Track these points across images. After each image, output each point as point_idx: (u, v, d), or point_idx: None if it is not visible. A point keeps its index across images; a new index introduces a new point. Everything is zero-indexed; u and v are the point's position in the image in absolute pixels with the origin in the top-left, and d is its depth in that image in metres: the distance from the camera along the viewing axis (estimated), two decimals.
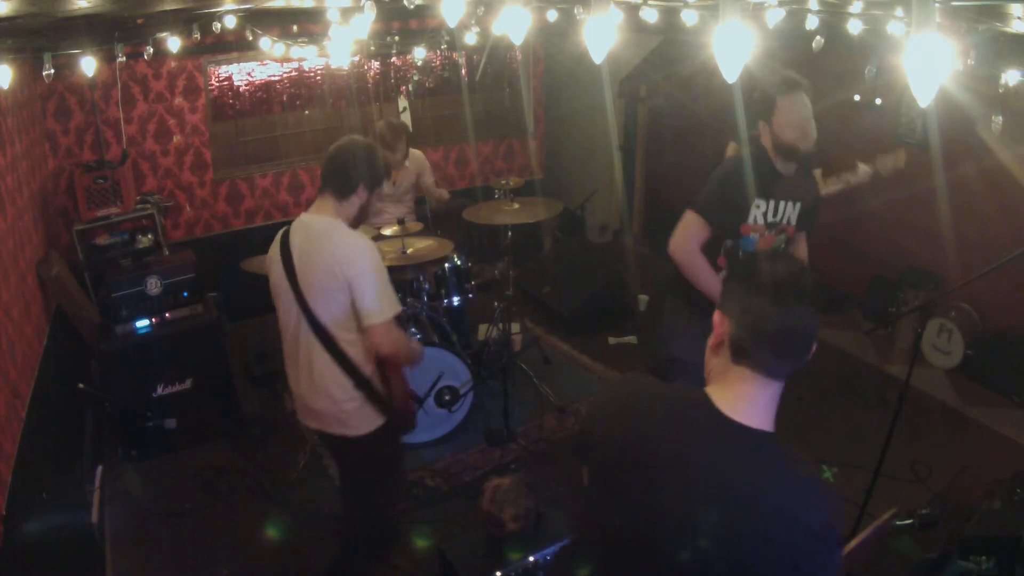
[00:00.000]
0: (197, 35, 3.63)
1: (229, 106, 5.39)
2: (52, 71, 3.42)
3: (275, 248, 2.49)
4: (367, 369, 2.45)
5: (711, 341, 1.38)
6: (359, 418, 2.49)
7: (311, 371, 2.44)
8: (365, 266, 2.31)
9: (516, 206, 4.29)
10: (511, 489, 2.63)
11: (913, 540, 3.16)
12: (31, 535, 2.66)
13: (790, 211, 3.00)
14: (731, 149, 4.26)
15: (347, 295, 2.31)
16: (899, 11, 2.64)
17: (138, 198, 4.92)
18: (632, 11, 3.48)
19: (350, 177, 2.40)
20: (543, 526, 2.67)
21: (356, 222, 2.49)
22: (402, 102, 5.96)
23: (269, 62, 5.38)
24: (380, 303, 2.32)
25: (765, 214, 2.96)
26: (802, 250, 3.25)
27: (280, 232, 2.51)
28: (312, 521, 3.53)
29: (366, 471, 2.66)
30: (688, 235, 2.87)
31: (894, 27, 2.88)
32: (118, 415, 3.90)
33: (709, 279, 2.84)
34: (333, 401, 2.45)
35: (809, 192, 3.04)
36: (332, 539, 3.42)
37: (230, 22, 3.47)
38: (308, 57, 5.38)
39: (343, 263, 2.29)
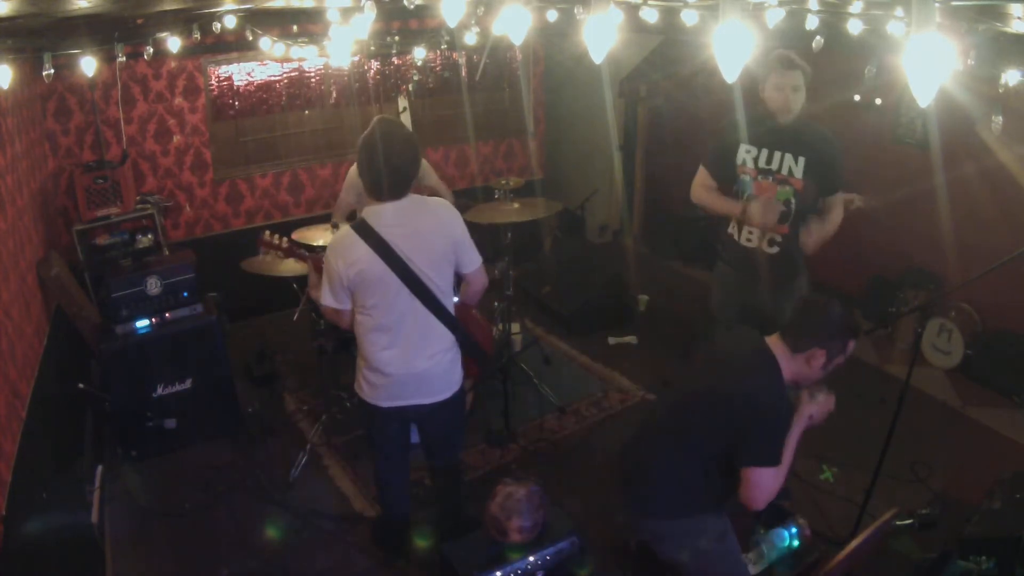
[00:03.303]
0: (197, 35, 3.63)
1: (229, 106, 5.39)
2: (52, 71, 3.41)
3: (359, 248, 2.49)
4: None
5: None
6: (457, 371, 2.80)
7: (429, 339, 2.66)
8: (462, 223, 2.66)
9: (516, 206, 4.29)
10: (523, 500, 2.60)
11: (913, 540, 3.17)
12: (31, 535, 2.66)
13: (789, 162, 3.17)
14: None
15: (454, 255, 2.64)
16: (899, 11, 2.64)
17: (138, 198, 4.91)
18: (632, 11, 3.48)
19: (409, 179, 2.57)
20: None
21: None
22: (402, 102, 5.96)
23: (269, 62, 5.37)
24: (475, 249, 2.71)
25: (756, 159, 3.23)
26: (836, 215, 3.33)
27: (347, 236, 2.53)
28: (312, 521, 3.53)
29: (459, 425, 2.98)
30: (697, 184, 3.45)
31: (894, 27, 2.88)
32: (118, 415, 3.89)
33: (722, 202, 3.37)
34: (444, 359, 2.71)
35: (814, 147, 3.15)
36: (332, 539, 3.43)
37: (230, 22, 3.46)
38: (308, 57, 5.37)
39: (450, 227, 2.62)
